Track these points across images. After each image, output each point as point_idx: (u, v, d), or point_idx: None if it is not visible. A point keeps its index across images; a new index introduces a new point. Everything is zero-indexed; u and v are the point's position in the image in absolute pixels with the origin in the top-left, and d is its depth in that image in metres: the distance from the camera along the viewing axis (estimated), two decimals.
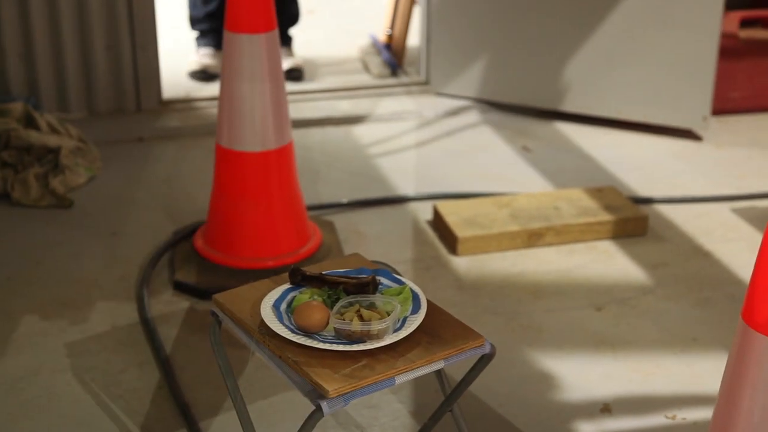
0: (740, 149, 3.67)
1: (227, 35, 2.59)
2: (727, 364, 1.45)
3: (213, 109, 3.84)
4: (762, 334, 1.38)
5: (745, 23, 3.97)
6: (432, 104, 3.99)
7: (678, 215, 3.15)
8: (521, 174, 3.44)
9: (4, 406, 2.20)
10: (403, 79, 4.24)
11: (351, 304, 1.72)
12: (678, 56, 3.66)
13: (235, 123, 2.63)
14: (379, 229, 3.03)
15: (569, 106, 3.86)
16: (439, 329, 1.73)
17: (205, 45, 4.23)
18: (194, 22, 4.24)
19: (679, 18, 3.61)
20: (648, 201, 3.24)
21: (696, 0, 3.56)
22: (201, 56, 4.20)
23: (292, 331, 1.68)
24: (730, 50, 3.84)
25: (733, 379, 1.43)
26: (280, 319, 1.72)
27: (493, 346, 1.73)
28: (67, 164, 3.22)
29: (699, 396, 2.28)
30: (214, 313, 1.83)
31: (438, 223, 3.01)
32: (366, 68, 4.38)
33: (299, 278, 1.82)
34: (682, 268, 2.83)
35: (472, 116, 3.91)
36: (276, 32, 2.61)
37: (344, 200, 3.19)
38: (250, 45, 2.56)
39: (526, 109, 3.95)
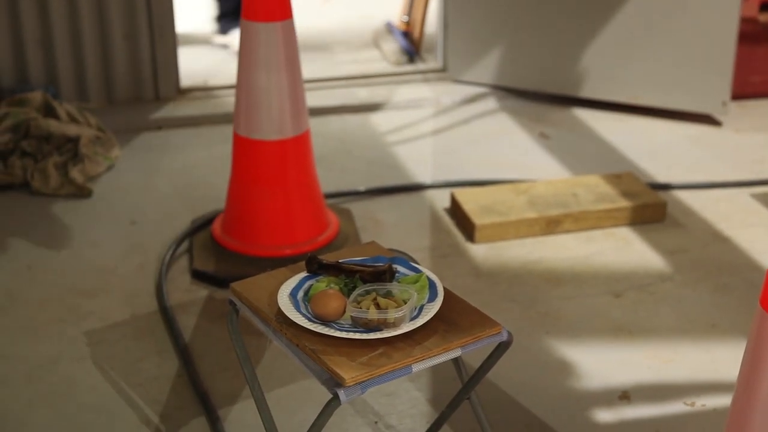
0: (760, 134, 3.65)
1: (243, 24, 2.59)
2: (745, 351, 1.44)
3: (230, 97, 3.85)
4: None
5: (766, 7, 3.92)
6: (449, 91, 3.98)
7: (697, 201, 3.13)
8: (539, 161, 3.43)
9: (24, 394, 2.22)
10: (420, 66, 4.23)
11: (368, 292, 1.72)
12: (697, 41, 3.63)
13: (252, 111, 2.63)
14: (396, 217, 3.03)
15: (587, 92, 3.84)
16: (456, 317, 1.73)
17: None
18: (226, 13, 4.35)
19: (698, 2, 3.58)
20: (666, 187, 3.22)
21: None
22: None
23: (309, 320, 1.69)
24: (750, 34, 3.81)
25: (751, 365, 1.42)
26: (297, 308, 1.72)
27: (510, 334, 1.73)
28: (87, 153, 3.24)
29: (718, 383, 2.27)
30: (231, 302, 1.83)
31: (455, 210, 3.01)
32: (380, 52, 4.38)
33: (316, 267, 1.82)
34: (700, 254, 2.82)
35: (490, 103, 3.90)
36: (292, 20, 2.61)
37: (361, 188, 3.19)
38: (266, 33, 2.56)
39: (543, 95, 3.93)
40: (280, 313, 1.72)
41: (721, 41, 3.59)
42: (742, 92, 3.87)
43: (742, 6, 3.59)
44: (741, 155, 3.47)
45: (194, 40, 4.49)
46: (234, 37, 4.33)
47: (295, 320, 1.69)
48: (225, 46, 4.40)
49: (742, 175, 3.31)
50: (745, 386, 1.44)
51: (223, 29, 4.39)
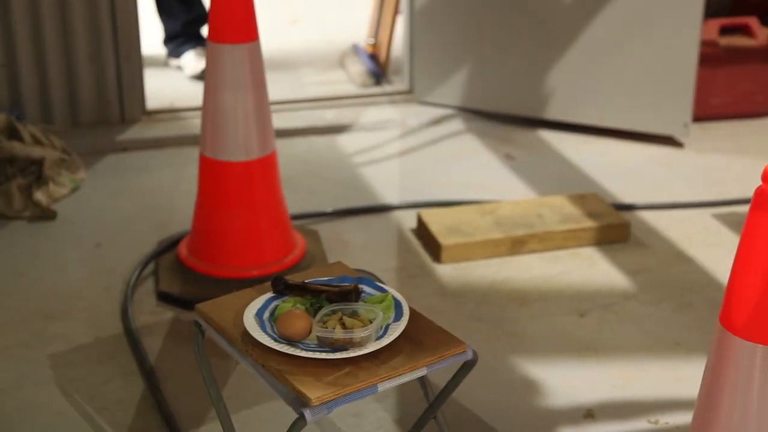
0: (721, 155, 3.70)
1: (210, 45, 2.59)
2: (705, 368, 1.46)
3: (197, 119, 3.84)
4: (739, 337, 1.40)
5: (725, 31, 4.00)
6: (416, 113, 4.01)
7: (660, 221, 3.17)
8: (505, 182, 3.45)
9: None
10: (387, 88, 4.25)
11: (333, 312, 1.73)
12: (659, 64, 3.68)
13: (219, 133, 2.63)
14: (363, 238, 3.04)
15: (552, 114, 3.88)
16: (421, 336, 1.74)
17: (194, 47, 4.30)
18: (173, 35, 4.35)
19: (660, 26, 3.64)
20: (630, 207, 3.25)
21: (676, 8, 3.59)
22: (198, 56, 4.24)
23: (275, 340, 1.69)
24: (710, 57, 3.87)
25: (711, 382, 1.44)
26: (263, 328, 1.72)
27: (475, 353, 1.74)
28: (51, 175, 3.22)
29: (682, 400, 2.29)
30: (197, 323, 1.83)
31: (422, 231, 3.02)
32: (347, 74, 4.40)
33: (282, 287, 1.83)
34: (664, 274, 2.85)
35: (456, 125, 3.93)
36: (258, 42, 2.62)
37: (329, 209, 3.20)
38: (232, 55, 2.57)
39: (509, 117, 3.96)
40: (245, 334, 1.72)
41: (683, 64, 3.65)
42: (703, 114, 3.93)
43: (702, 30, 3.65)
44: (703, 176, 3.52)
45: (160, 62, 4.48)
46: (187, 59, 4.33)
47: (260, 340, 1.69)
48: (180, 69, 4.39)
49: (703, 195, 3.36)
50: (705, 402, 1.46)
51: (175, 52, 4.39)
